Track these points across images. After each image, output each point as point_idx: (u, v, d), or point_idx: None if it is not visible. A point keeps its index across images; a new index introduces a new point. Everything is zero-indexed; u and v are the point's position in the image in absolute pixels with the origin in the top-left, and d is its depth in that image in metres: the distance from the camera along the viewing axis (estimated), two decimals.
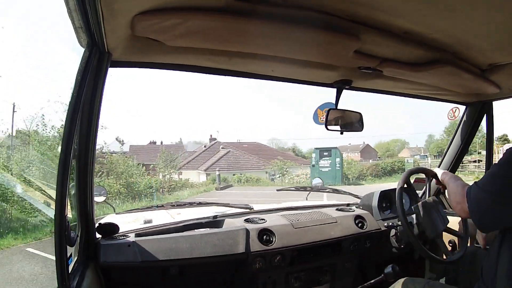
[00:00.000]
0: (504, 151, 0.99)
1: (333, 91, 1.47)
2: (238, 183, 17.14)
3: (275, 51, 1.13)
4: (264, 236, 1.40)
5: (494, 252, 1.03)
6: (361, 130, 1.60)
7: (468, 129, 1.82)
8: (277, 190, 2.44)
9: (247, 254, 1.35)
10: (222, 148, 21.50)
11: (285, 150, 29.48)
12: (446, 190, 1.27)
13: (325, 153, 16.81)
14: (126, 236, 1.31)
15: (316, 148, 17.61)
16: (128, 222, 1.58)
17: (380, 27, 1.00)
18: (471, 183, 1.05)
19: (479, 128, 1.89)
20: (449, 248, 1.51)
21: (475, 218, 0.99)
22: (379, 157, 32.79)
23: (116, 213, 1.80)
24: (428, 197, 1.47)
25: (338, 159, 16.70)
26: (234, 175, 18.21)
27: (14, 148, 10.47)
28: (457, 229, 1.46)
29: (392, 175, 18.33)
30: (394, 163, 19.83)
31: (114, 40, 0.94)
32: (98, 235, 1.25)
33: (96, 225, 1.23)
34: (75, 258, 1.10)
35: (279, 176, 18.26)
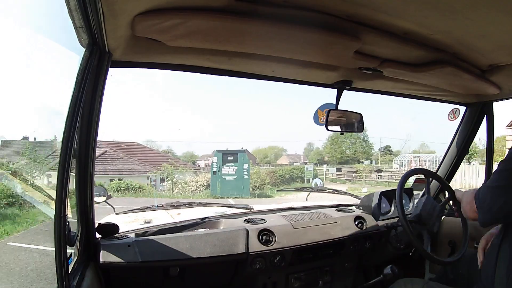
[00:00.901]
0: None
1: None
2: (117, 193, 12.83)
3: (276, 52, 1.13)
4: (264, 237, 1.40)
5: (493, 253, 1.04)
6: (361, 131, 1.60)
7: (468, 130, 1.82)
8: (277, 191, 2.44)
9: (247, 254, 1.35)
10: (97, 147, 18.70)
11: (162, 153, 24.26)
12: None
13: (229, 157, 13.27)
14: (126, 236, 1.31)
15: (219, 151, 13.93)
16: (128, 222, 1.58)
17: (381, 27, 1.00)
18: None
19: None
20: (449, 249, 1.51)
21: (481, 213, 1.03)
22: (257, 163, 31.03)
23: (116, 213, 1.80)
24: (428, 197, 1.47)
25: (246, 166, 13.24)
26: (111, 180, 14.16)
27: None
28: (457, 232, 1.46)
29: (290, 184, 16.57)
30: (293, 171, 18.44)
31: (115, 40, 0.94)
32: (98, 235, 1.25)
33: (96, 225, 1.23)
34: (75, 258, 1.10)
35: (166, 183, 14.96)
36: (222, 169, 13.18)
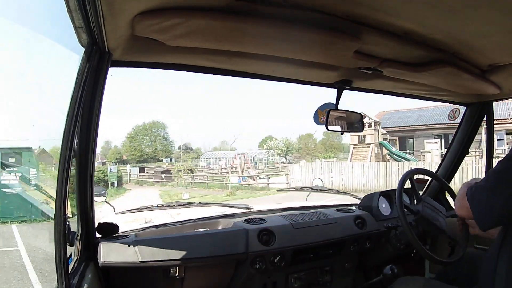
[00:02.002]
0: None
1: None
2: None
3: (276, 51, 1.13)
4: (264, 237, 1.40)
5: (493, 253, 1.03)
6: (361, 131, 1.60)
7: (469, 130, 1.82)
8: (277, 191, 2.44)
9: (247, 254, 1.35)
10: None
11: None
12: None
13: (10, 158, 8.14)
14: (126, 236, 1.32)
15: None
16: (128, 222, 1.58)
17: (381, 27, 1.00)
18: None
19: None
20: (449, 249, 1.51)
21: (476, 216, 0.99)
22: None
23: (116, 213, 1.80)
24: (428, 198, 1.47)
25: (32, 171, 8.24)
26: None
27: None
28: (456, 230, 1.46)
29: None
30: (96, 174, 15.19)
31: (115, 40, 0.94)
32: (98, 235, 1.25)
33: (96, 224, 1.23)
34: (75, 258, 1.10)
35: None
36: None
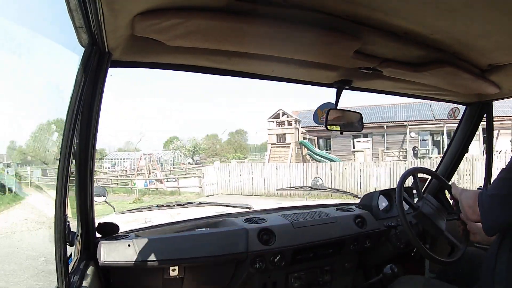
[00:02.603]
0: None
1: None
2: None
3: (275, 51, 1.13)
4: (264, 236, 1.40)
5: (492, 252, 1.04)
6: (361, 130, 1.60)
7: (468, 129, 1.83)
8: (277, 190, 2.45)
9: (247, 254, 1.35)
10: None
11: None
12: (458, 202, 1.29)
13: None
14: (126, 236, 1.32)
15: None
16: (128, 222, 1.59)
17: (381, 27, 1.00)
18: None
19: None
20: (449, 249, 1.51)
21: (484, 221, 1.02)
22: None
23: (116, 213, 1.81)
24: (429, 196, 1.47)
25: None
26: None
27: None
28: (456, 231, 1.46)
29: None
30: None
31: (115, 40, 0.94)
32: (98, 235, 1.26)
33: (96, 224, 1.23)
34: (75, 258, 1.10)
35: None
36: None
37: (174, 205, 1.75)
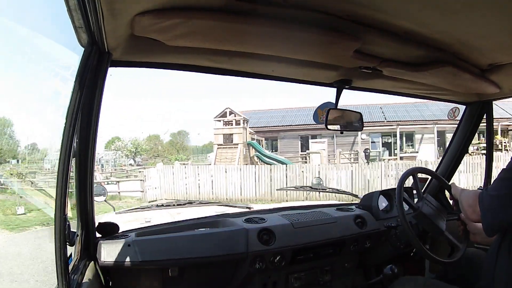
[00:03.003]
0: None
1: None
2: None
3: (275, 51, 1.13)
4: (264, 236, 1.40)
5: (492, 253, 1.04)
6: (361, 130, 1.60)
7: (469, 129, 1.83)
8: (277, 190, 2.46)
9: (247, 254, 1.35)
10: None
11: None
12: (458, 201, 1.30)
13: None
14: (126, 235, 1.32)
15: None
16: (128, 222, 1.59)
17: (381, 27, 1.00)
18: None
19: None
20: (449, 249, 1.51)
21: (485, 221, 1.03)
22: None
23: (116, 213, 1.81)
24: (429, 196, 1.47)
25: None
26: None
27: None
28: (456, 232, 1.46)
29: None
30: None
31: (114, 40, 0.94)
32: (98, 235, 1.26)
33: (96, 224, 1.23)
34: (75, 258, 1.10)
35: None
36: None
37: (174, 205, 1.76)
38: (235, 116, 15.57)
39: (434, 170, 1.87)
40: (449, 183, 1.45)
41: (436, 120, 16.20)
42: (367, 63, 1.22)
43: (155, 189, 11.23)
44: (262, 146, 16.63)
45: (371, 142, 17.20)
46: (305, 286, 1.54)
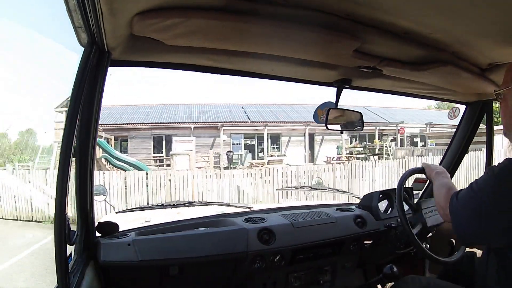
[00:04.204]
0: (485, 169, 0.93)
1: None
2: None
3: (275, 50, 1.13)
4: (264, 236, 1.40)
5: (483, 259, 1.02)
6: (361, 130, 1.60)
7: (469, 128, 1.82)
8: (277, 190, 2.46)
9: (247, 254, 1.35)
10: None
11: None
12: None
13: None
14: (126, 235, 1.32)
15: None
16: (128, 221, 1.59)
17: (380, 26, 1.00)
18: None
19: None
20: (449, 249, 1.51)
21: (456, 230, 0.94)
22: None
23: (116, 212, 1.81)
24: (430, 197, 1.47)
25: None
26: None
27: None
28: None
29: None
30: None
31: (114, 39, 0.94)
32: (98, 234, 1.26)
33: (96, 224, 1.23)
34: (75, 257, 1.10)
35: None
36: None
37: (174, 205, 1.76)
38: None
39: None
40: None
41: (307, 121, 14.78)
42: (367, 63, 1.22)
43: None
44: (112, 146, 13.29)
45: (232, 144, 15.70)
46: (305, 285, 1.54)
